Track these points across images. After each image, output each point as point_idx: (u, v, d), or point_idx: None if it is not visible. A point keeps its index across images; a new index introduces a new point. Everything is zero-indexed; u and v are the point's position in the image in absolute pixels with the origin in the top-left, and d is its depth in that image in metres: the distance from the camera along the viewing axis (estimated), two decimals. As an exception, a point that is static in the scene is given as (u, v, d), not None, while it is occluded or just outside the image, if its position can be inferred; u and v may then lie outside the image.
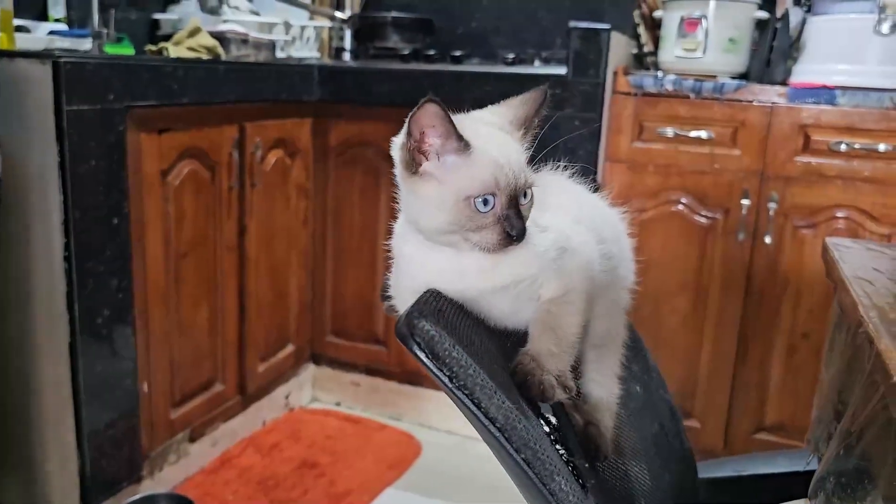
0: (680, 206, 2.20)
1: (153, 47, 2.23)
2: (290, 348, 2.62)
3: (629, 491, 0.88)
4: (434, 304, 0.62)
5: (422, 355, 0.58)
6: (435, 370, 0.57)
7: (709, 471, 1.13)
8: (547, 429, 0.66)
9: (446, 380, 0.57)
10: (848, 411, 0.78)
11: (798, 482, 1.05)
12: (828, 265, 1.15)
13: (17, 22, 1.92)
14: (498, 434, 0.58)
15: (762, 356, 2.20)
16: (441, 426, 2.58)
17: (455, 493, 2.22)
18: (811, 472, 0.89)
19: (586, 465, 0.67)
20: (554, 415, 0.69)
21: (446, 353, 0.58)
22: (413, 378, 2.60)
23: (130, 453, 1.94)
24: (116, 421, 1.87)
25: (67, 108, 1.64)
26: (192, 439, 2.20)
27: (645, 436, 0.98)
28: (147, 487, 2.00)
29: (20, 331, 1.75)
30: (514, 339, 0.74)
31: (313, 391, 2.79)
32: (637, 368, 1.04)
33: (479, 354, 0.61)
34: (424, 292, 0.65)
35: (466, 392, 0.58)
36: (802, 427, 2.17)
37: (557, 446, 0.65)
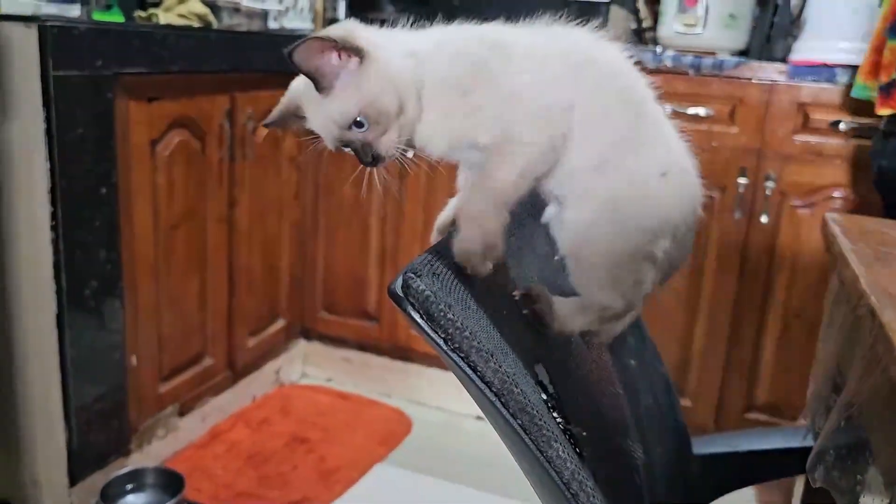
0: (676, 184, 2.18)
1: (143, 14, 2.19)
2: (280, 323, 2.60)
3: (623, 462, 0.86)
4: (430, 265, 0.60)
5: (416, 315, 0.55)
6: (429, 332, 0.55)
7: (703, 447, 1.11)
8: (544, 396, 0.64)
9: (441, 342, 0.55)
10: (848, 384, 0.77)
11: (794, 459, 1.04)
12: (827, 239, 1.14)
13: (2, -14, 1.88)
14: (494, 399, 0.56)
15: (755, 335, 2.19)
16: (432, 402, 2.57)
17: (446, 469, 2.21)
18: (807, 449, 0.88)
19: (583, 433, 0.66)
20: (551, 382, 0.67)
21: (441, 314, 0.55)
22: (404, 354, 2.59)
23: (118, 427, 1.92)
24: (104, 394, 1.85)
25: (54, 74, 1.60)
26: (181, 413, 2.18)
27: (638, 408, 0.97)
28: (135, 461, 1.98)
29: (5, 302, 1.73)
30: (509, 305, 0.72)
31: (303, 367, 2.77)
32: (633, 341, 1.03)
33: (475, 318, 0.59)
34: (422, 254, 0.63)
35: (462, 355, 0.56)
36: (793, 407, 2.17)
37: (554, 413, 0.64)
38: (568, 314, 0.75)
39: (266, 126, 0.82)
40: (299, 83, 0.78)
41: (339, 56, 0.71)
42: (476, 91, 0.72)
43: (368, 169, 0.76)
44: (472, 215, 0.69)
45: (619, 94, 0.78)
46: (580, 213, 0.75)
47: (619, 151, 0.75)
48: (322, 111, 0.74)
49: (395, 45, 0.75)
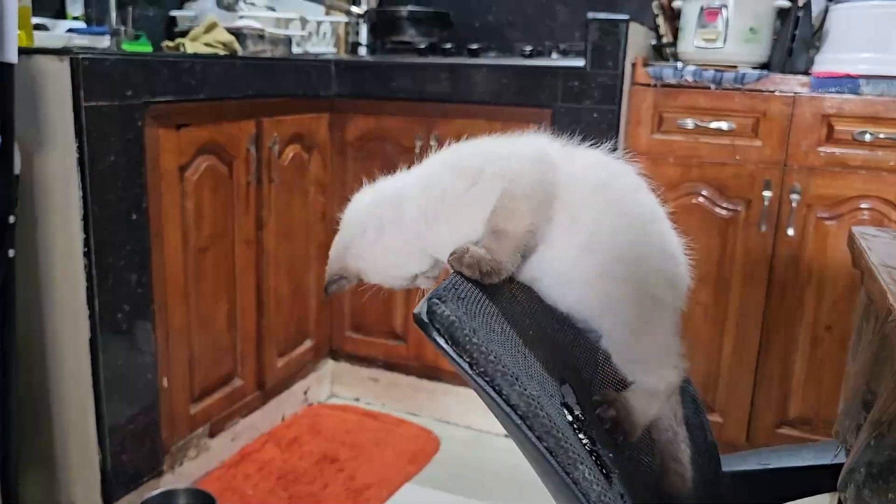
0: (701, 199, 2.17)
1: (170, 43, 2.24)
2: (308, 343, 2.62)
3: (651, 482, 0.86)
4: (454, 290, 0.61)
5: (441, 341, 0.56)
6: (455, 356, 0.56)
7: (733, 464, 1.10)
8: (570, 418, 0.65)
9: (466, 366, 0.56)
10: (878, 401, 0.76)
11: (825, 475, 1.03)
12: (854, 254, 1.13)
13: (35, 20, 1.93)
14: (520, 422, 0.56)
15: (785, 349, 2.17)
16: (460, 421, 2.57)
17: (474, 487, 2.21)
18: (838, 465, 0.87)
19: (610, 455, 0.66)
20: (577, 403, 0.68)
21: (466, 339, 0.56)
22: (431, 373, 2.60)
23: (151, 448, 1.95)
24: (137, 416, 1.88)
25: (86, 105, 1.64)
26: (212, 434, 2.20)
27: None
28: (167, 482, 2.01)
29: (41, 327, 1.76)
30: (535, 328, 0.73)
31: (332, 386, 2.79)
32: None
33: (500, 342, 0.60)
34: (447, 279, 0.65)
35: (487, 379, 0.57)
36: (826, 421, 2.14)
37: (580, 435, 0.64)
38: (640, 407, 0.79)
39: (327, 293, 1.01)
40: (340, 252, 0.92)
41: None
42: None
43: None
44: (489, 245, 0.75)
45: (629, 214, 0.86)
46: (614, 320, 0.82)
47: (627, 264, 0.82)
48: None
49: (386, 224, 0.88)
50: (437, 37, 2.91)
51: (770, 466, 1.09)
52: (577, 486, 0.55)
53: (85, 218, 1.68)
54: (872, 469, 0.70)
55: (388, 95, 2.45)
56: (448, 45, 2.79)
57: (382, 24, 3.00)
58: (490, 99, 2.30)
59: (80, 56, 1.62)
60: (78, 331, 1.74)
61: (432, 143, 2.41)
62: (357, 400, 2.75)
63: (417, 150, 2.44)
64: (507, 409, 0.56)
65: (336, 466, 2.28)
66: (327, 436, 2.46)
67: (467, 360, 0.56)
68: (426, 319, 0.57)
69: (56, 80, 1.62)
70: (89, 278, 1.71)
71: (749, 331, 2.19)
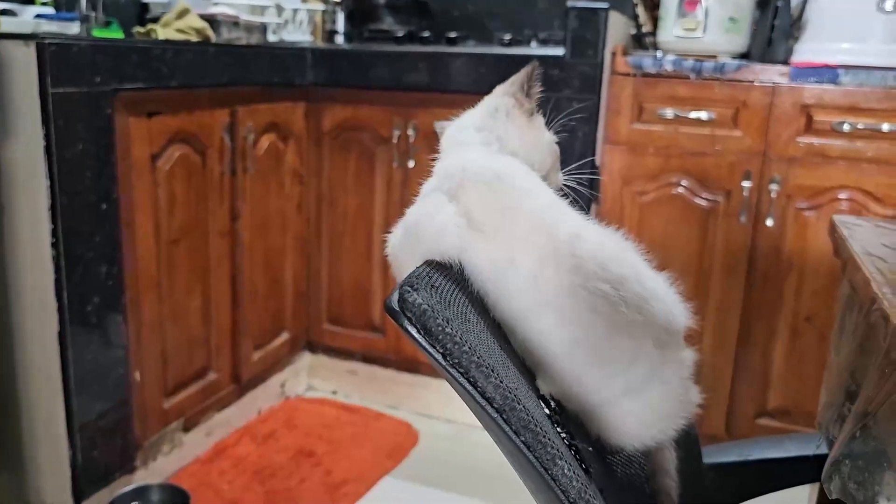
0: (680, 189, 2.16)
1: (141, 29, 2.19)
2: (285, 336, 2.59)
3: (632, 476, 0.85)
4: (428, 278, 0.58)
5: (413, 331, 0.54)
6: (427, 347, 0.54)
7: (714, 455, 1.09)
8: (547, 410, 0.63)
9: (440, 357, 0.54)
10: (862, 392, 0.75)
11: (807, 466, 1.02)
12: (836, 243, 1.12)
13: (2, 6, 1.88)
14: (496, 415, 0.54)
15: (765, 340, 2.17)
16: (439, 414, 2.55)
17: (453, 481, 2.19)
18: (821, 457, 0.86)
19: (589, 448, 0.64)
20: (552, 396, 0.66)
21: (439, 328, 0.54)
22: (411, 365, 2.57)
23: (123, 443, 1.91)
24: (108, 411, 1.84)
25: (53, 91, 1.60)
26: (186, 429, 2.16)
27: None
28: (140, 478, 1.97)
29: (8, 319, 1.72)
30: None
31: (309, 380, 2.75)
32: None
33: (476, 332, 0.58)
34: (420, 266, 0.62)
35: (461, 370, 0.54)
36: (806, 411, 2.14)
37: (558, 428, 0.62)
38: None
39: None
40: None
41: None
42: None
43: None
44: None
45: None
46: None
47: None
48: None
49: None
50: (415, 25, 2.88)
51: (751, 458, 1.08)
52: (556, 483, 0.53)
53: (53, 208, 1.63)
54: (858, 461, 0.68)
55: (366, 84, 2.42)
56: (426, 34, 2.76)
57: (360, 12, 2.95)
58: (469, 88, 2.27)
59: (47, 41, 1.58)
60: (46, 324, 1.69)
61: (410, 132, 2.38)
62: (335, 393, 2.72)
63: (395, 140, 2.41)
64: (483, 402, 0.54)
65: (313, 461, 2.25)
66: (304, 430, 2.43)
67: (440, 350, 0.53)
68: (397, 308, 0.54)
69: (22, 66, 1.57)
70: (57, 270, 1.66)
71: (729, 321, 2.18)
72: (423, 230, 0.73)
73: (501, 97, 0.90)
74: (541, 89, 0.92)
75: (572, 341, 0.69)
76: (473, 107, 0.93)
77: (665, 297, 0.78)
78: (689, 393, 0.81)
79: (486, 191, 0.73)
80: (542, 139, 0.91)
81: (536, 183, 0.80)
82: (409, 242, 0.76)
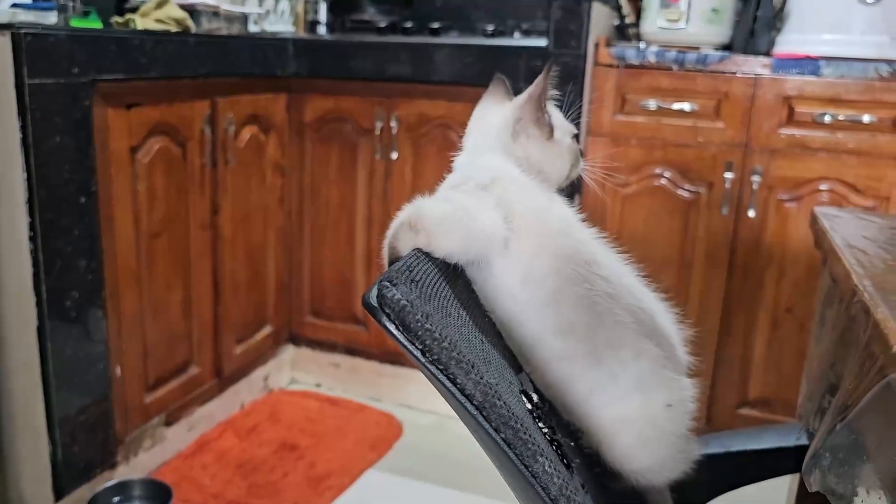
0: (663, 181, 2.16)
1: (120, 19, 2.15)
2: (267, 329, 2.57)
3: (613, 470, 0.84)
4: (408, 272, 0.57)
5: (391, 327, 0.53)
6: (406, 343, 0.53)
7: (695, 447, 1.09)
8: (529, 405, 0.62)
9: (418, 353, 0.53)
10: (842, 385, 0.75)
11: (787, 458, 1.03)
12: (817, 235, 1.12)
13: (-25, -6, 1.84)
14: (475, 412, 0.53)
15: (746, 330, 2.18)
16: (422, 406, 2.55)
17: (437, 473, 2.19)
18: (801, 448, 0.86)
19: (571, 443, 0.64)
20: (535, 391, 0.65)
21: (419, 324, 0.53)
22: (393, 358, 2.56)
23: (104, 439, 1.89)
24: (88, 406, 1.82)
25: (30, 82, 1.57)
26: (168, 423, 2.15)
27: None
28: (122, 473, 1.95)
29: (-15, 314, 1.69)
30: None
31: (292, 372, 2.74)
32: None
33: (457, 327, 0.57)
34: (400, 260, 0.61)
35: (441, 367, 0.53)
36: (786, 402, 2.16)
37: (540, 423, 0.62)
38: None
39: None
40: None
41: None
42: None
43: None
44: None
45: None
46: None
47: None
48: None
49: None
50: (397, 16, 2.86)
51: (732, 450, 1.09)
52: (536, 480, 0.53)
53: (30, 201, 1.61)
54: (838, 454, 0.68)
55: (348, 75, 2.40)
56: (409, 25, 2.74)
57: (342, 3, 2.93)
58: (452, 79, 2.26)
59: (24, 31, 1.55)
60: (25, 318, 1.67)
61: (393, 123, 2.37)
62: (318, 386, 2.71)
63: (377, 132, 2.39)
64: (462, 399, 0.53)
65: (296, 454, 2.24)
66: (287, 423, 2.42)
67: (419, 347, 0.53)
68: (375, 303, 0.53)
69: (-3, 56, 1.55)
70: (35, 264, 1.64)
71: (710, 312, 2.19)
72: (470, 226, 0.72)
73: (518, 122, 0.93)
74: (558, 94, 0.94)
75: (567, 333, 0.74)
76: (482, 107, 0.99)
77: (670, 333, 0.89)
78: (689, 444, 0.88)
79: (520, 192, 0.79)
80: (563, 147, 0.93)
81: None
82: (448, 230, 0.72)
